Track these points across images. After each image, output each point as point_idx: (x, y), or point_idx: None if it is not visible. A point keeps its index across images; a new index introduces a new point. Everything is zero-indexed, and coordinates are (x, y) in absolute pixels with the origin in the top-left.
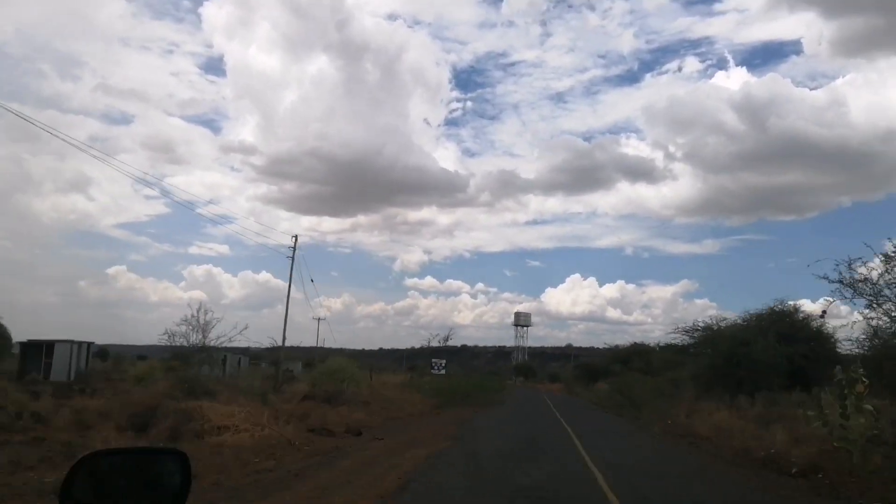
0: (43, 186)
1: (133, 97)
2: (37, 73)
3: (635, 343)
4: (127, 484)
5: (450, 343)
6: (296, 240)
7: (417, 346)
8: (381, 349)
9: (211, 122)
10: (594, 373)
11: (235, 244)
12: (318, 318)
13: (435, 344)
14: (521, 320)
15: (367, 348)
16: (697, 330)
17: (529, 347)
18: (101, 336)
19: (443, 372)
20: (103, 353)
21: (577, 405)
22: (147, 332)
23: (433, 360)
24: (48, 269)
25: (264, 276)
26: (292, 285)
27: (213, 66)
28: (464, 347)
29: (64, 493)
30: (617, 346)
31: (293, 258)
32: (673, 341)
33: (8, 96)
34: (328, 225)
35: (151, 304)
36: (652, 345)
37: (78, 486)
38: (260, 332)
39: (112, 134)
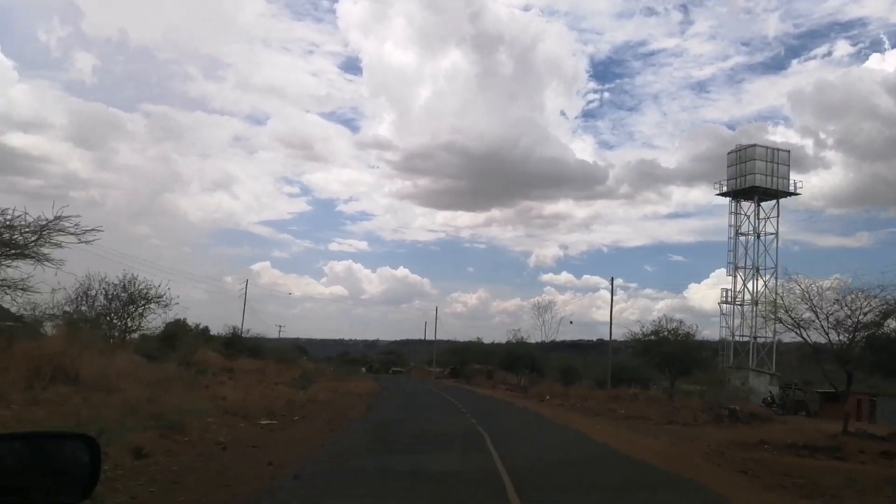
0: (190, 186)
1: (274, 96)
2: (184, 76)
3: None
4: (28, 473)
5: (586, 338)
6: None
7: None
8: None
9: (349, 121)
10: None
11: (374, 241)
12: None
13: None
14: (750, 159)
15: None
16: None
17: None
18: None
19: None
20: None
21: None
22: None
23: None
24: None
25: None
26: None
27: (351, 66)
28: (600, 342)
29: None
30: None
31: None
32: None
33: (157, 99)
34: (463, 220)
35: (294, 299)
36: None
37: None
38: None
39: (252, 133)
